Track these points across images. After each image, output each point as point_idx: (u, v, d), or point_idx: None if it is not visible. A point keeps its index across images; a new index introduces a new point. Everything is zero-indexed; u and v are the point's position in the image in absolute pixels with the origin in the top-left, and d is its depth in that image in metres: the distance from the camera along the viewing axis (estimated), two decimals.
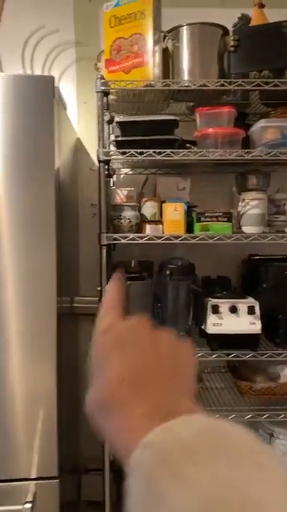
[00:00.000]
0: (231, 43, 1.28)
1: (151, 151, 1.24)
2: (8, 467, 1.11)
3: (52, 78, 1.08)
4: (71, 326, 1.50)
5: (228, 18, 1.33)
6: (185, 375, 0.31)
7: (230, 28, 1.33)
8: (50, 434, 1.12)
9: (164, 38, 1.33)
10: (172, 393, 0.29)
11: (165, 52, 1.33)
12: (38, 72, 1.62)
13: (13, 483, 1.11)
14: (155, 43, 1.27)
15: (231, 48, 1.28)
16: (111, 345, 0.31)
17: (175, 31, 1.32)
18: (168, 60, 1.35)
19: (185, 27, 1.31)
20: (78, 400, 1.68)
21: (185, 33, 1.31)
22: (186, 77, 1.32)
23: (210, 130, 1.27)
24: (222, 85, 1.26)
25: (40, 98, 1.07)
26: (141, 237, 1.28)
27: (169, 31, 1.33)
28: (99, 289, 1.32)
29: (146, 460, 0.23)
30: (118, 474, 1.40)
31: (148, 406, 0.27)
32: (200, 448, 0.22)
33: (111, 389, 0.29)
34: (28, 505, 1.07)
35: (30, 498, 1.10)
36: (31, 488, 1.11)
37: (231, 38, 1.29)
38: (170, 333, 0.33)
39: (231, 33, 1.31)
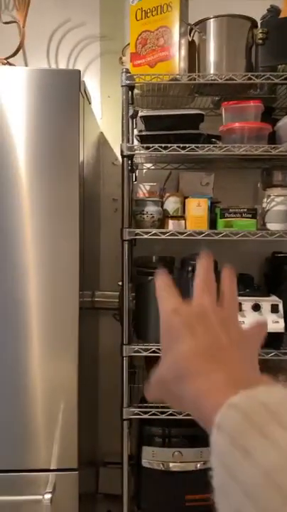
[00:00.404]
0: (260, 35, 1.26)
1: (175, 145, 1.23)
2: (29, 458, 1.12)
3: (78, 72, 1.07)
4: (92, 320, 1.51)
5: (257, 9, 1.30)
6: (250, 353, 0.34)
7: (258, 20, 1.30)
8: (70, 426, 1.13)
9: (190, 31, 1.31)
10: (244, 366, 0.31)
11: (191, 45, 1.31)
12: (62, 66, 1.63)
13: (33, 473, 1.12)
14: (182, 35, 1.25)
15: (260, 41, 1.26)
16: (182, 324, 0.34)
17: (202, 24, 1.30)
18: (194, 54, 1.33)
19: (212, 19, 1.28)
20: (98, 393, 1.70)
21: (212, 25, 1.28)
22: (212, 70, 1.29)
23: (236, 125, 1.25)
24: (249, 79, 1.23)
25: (65, 92, 1.07)
26: (164, 233, 1.27)
27: (196, 24, 1.31)
28: (120, 283, 1.32)
29: (233, 418, 0.24)
30: (136, 468, 1.40)
31: (225, 374, 0.29)
32: (285, 413, 0.24)
33: (189, 359, 0.31)
34: (48, 496, 1.09)
35: (50, 488, 1.11)
36: (51, 479, 1.13)
37: (260, 31, 1.26)
38: (233, 314, 0.36)
39: (259, 26, 1.28)
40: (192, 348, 0.32)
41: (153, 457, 1.36)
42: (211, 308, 0.36)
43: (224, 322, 0.35)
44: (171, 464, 1.34)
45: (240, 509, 0.22)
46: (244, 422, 0.24)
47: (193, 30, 1.31)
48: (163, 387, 0.33)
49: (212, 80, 1.26)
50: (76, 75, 1.07)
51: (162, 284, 0.39)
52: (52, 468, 1.13)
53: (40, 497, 1.08)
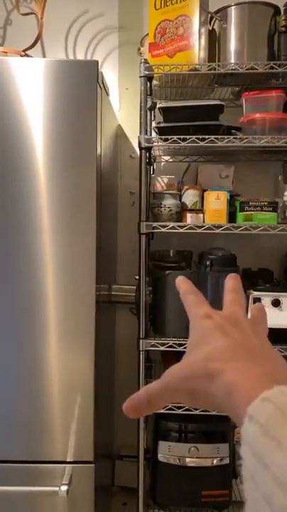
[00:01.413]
0: (283, 22, 1.22)
1: (194, 137, 1.21)
2: (47, 450, 1.13)
3: (96, 62, 1.06)
4: (108, 314, 1.51)
5: None
6: (277, 356, 0.34)
7: (282, 6, 1.26)
8: (86, 419, 1.13)
9: (211, 20, 1.28)
10: (277, 365, 0.32)
11: (211, 34, 1.28)
12: (80, 57, 1.62)
13: (50, 465, 1.13)
14: (202, 24, 1.22)
15: (283, 28, 1.22)
16: (214, 327, 0.35)
17: (222, 12, 1.26)
18: (215, 43, 1.30)
19: (233, 7, 1.25)
20: (114, 387, 1.70)
21: (233, 13, 1.25)
22: (233, 60, 1.26)
23: (257, 115, 1.22)
24: (272, 68, 1.20)
25: (83, 83, 1.06)
26: (181, 226, 1.25)
27: (216, 12, 1.27)
28: (137, 277, 1.31)
29: (266, 411, 0.25)
30: (152, 462, 1.40)
31: (260, 369, 0.30)
32: None
33: (223, 355, 0.32)
34: (64, 488, 1.09)
35: (66, 480, 1.12)
36: (67, 471, 1.13)
37: (283, 18, 1.22)
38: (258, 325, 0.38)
39: (282, 12, 1.24)
40: (227, 345, 0.33)
41: (169, 452, 1.36)
42: (242, 315, 0.37)
43: (254, 328, 0.36)
44: (187, 459, 1.34)
45: (271, 496, 0.22)
46: (277, 414, 0.25)
47: (213, 19, 1.28)
48: (186, 386, 0.33)
49: (232, 69, 1.23)
50: (94, 65, 1.06)
51: (189, 288, 0.41)
52: (68, 460, 1.14)
53: (57, 488, 1.09)
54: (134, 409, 0.34)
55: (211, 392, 0.31)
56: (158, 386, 0.34)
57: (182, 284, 0.41)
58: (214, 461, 1.33)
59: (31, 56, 1.29)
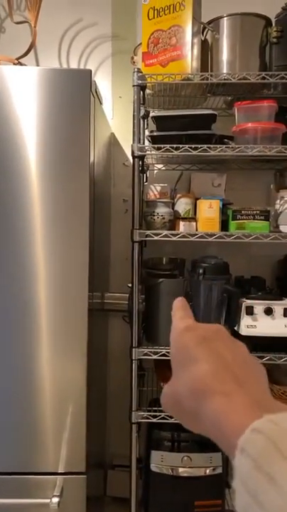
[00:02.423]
0: (274, 34, 1.23)
1: (187, 146, 1.21)
2: (37, 461, 1.11)
3: (89, 72, 1.06)
4: (101, 322, 1.50)
5: (271, 8, 1.28)
6: (259, 371, 0.33)
7: (273, 18, 1.27)
8: (78, 429, 1.12)
9: (203, 30, 1.30)
10: (263, 390, 0.30)
11: (204, 44, 1.30)
12: (73, 66, 1.62)
13: (41, 476, 1.12)
14: (195, 34, 1.24)
15: (274, 39, 1.24)
16: (196, 342, 0.33)
17: (215, 22, 1.28)
18: (207, 53, 1.31)
19: (225, 18, 1.26)
20: (107, 395, 1.69)
21: (225, 24, 1.26)
22: (225, 70, 1.28)
23: (249, 125, 1.23)
24: (263, 78, 1.21)
25: (76, 92, 1.06)
26: (174, 235, 1.25)
27: (209, 22, 1.29)
28: (129, 285, 1.31)
29: (257, 443, 0.24)
30: (144, 472, 1.39)
31: (247, 396, 0.28)
32: None
33: (207, 378, 0.30)
34: (56, 499, 1.08)
35: (57, 492, 1.10)
36: (59, 482, 1.12)
37: (274, 29, 1.24)
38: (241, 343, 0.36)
39: (274, 24, 1.26)
40: (210, 367, 0.31)
41: (161, 461, 1.34)
42: (224, 329, 0.36)
43: (234, 343, 0.35)
44: (180, 469, 1.33)
45: None
46: (269, 447, 0.24)
47: (206, 29, 1.30)
48: (176, 404, 0.33)
49: (225, 79, 1.24)
50: (87, 74, 1.06)
51: (179, 304, 0.40)
52: (60, 471, 1.12)
53: (48, 500, 1.07)
54: None
55: (200, 416, 0.30)
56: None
57: (177, 302, 0.41)
58: (207, 471, 1.32)
59: (25, 64, 1.29)
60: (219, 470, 1.33)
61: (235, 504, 0.25)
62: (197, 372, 0.31)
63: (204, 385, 0.30)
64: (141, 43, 1.31)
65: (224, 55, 1.28)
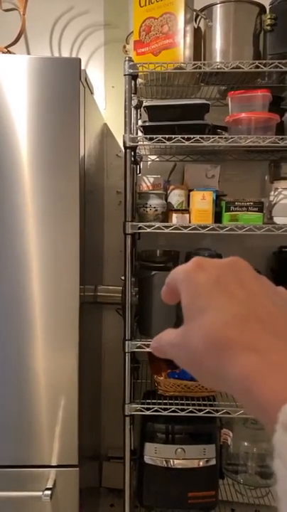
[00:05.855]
0: (268, 21, 1.21)
1: (180, 136, 1.19)
2: (30, 454, 1.11)
3: (78, 60, 1.04)
4: (94, 315, 1.49)
5: None
6: None
7: (267, 5, 1.25)
8: (71, 422, 1.12)
9: (196, 18, 1.27)
10: None
11: (196, 32, 1.27)
12: (65, 55, 1.59)
13: (34, 469, 1.12)
14: (187, 22, 1.21)
15: (268, 27, 1.21)
16: (211, 283, 0.26)
17: (208, 9, 1.25)
18: (200, 41, 1.28)
19: (218, 5, 1.24)
20: (101, 388, 1.68)
21: (218, 11, 1.24)
22: (218, 58, 1.25)
23: (243, 115, 1.21)
24: (257, 67, 1.19)
25: (66, 81, 1.04)
26: (167, 227, 1.24)
27: (202, 10, 1.26)
28: (122, 278, 1.30)
29: None
30: (138, 464, 1.39)
31: (283, 352, 0.22)
32: None
33: (232, 329, 0.24)
34: (48, 492, 1.08)
35: (50, 484, 1.10)
36: (51, 475, 1.12)
37: (268, 17, 1.21)
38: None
39: (268, 11, 1.24)
40: (238, 313, 0.24)
41: (155, 454, 1.35)
42: (243, 262, 0.28)
43: (259, 280, 0.27)
44: (174, 461, 1.33)
45: None
46: None
47: (199, 17, 1.27)
48: (192, 360, 0.26)
49: (218, 68, 1.22)
50: (76, 63, 1.04)
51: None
52: (52, 464, 1.12)
53: (40, 493, 1.08)
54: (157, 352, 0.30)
55: (221, 373, 0.24)
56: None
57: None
58: (201, 463, 1.33)
59: (14, 53, 1.26)
60: (213, 462, 1.34)
61: (278, 491, 0.21)
62: (212, 319, 0.25)
63: (226, 338, 0.24)
64: (132, 32, 1.28)
65: (217, 43, 1.25)
